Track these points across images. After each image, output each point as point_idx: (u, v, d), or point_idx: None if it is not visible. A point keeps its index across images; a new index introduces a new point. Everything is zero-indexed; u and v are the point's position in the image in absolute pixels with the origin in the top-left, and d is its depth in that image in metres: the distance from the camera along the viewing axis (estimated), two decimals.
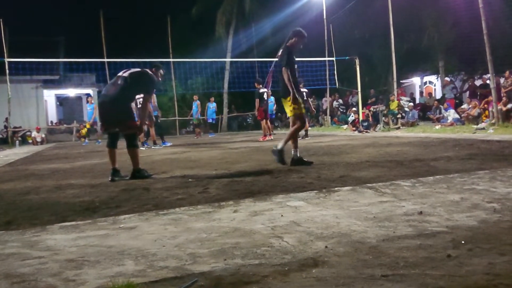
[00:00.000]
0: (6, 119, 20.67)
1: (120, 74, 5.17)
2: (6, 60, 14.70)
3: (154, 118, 11.71)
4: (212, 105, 18.50)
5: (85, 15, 26.73)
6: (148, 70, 5.45)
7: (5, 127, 21.31)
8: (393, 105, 15.74)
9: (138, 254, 2.13)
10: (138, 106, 10.60)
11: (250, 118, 25.23)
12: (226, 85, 25.55)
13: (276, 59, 5.86)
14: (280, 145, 5.50)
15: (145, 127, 11.26)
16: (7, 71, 14.43)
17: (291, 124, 5.71)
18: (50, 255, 2.21)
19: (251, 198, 3.40)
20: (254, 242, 2.24)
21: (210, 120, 18.93)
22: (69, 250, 2.29)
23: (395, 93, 16.11)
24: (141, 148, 11.04)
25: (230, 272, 1.84)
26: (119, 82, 5.02)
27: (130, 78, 5.04)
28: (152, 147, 11.30)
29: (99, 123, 15.79)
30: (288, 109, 5.59)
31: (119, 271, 1.91)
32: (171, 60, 21.26)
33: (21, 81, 20.84)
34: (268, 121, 13.10)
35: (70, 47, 25.17)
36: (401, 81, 23.73)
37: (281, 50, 5.63)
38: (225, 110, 25.93)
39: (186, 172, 5.47)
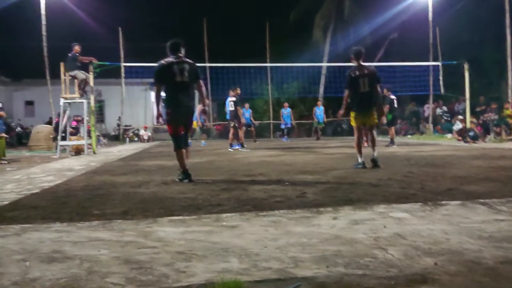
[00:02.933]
0: (119, 118, 22.81)
1: (180, 79, 5.11)
2: (122, 64, 16.17)
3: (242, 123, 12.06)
4: (286, 111, 18.74)
5: (189, 22, 28.31)
6: (188, 60, 5.32)
7: (118, 125, 23.53)
8: (508, 114, 14.28)
9: (242, 253, 2.21)
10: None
11: (346, 124, 24.69)
12: (321, 90, 25.27)
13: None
14: (376, 153, 6.37)
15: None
16: (123, 75, 15.85)
17: (374, 130, 6.57)
18: (162, 245, 2.39)
19: (351, 206, 3.33)
20: (357, 251, 2.19)
21: (283, 126, 19.06)
22: (178, 243, 2.45)
23: (510, 100, 14.60)
24: (229, 149, 11.44)
25: (333, 279, 1.82)
26: (187, 89, 5.27)
27: (191, 77, 5.21)
28: (240, 149, 11.62)
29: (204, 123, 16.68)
30: (373, 118, 6.39)
31: (225, 268, 2.00)
32: (267, 64, 21.63)
33: (133, 84, 22.69)
34: None
35: None
36: None
37: (367, 69, 6.31)
38: None
39: (282, 175, 5.53)
